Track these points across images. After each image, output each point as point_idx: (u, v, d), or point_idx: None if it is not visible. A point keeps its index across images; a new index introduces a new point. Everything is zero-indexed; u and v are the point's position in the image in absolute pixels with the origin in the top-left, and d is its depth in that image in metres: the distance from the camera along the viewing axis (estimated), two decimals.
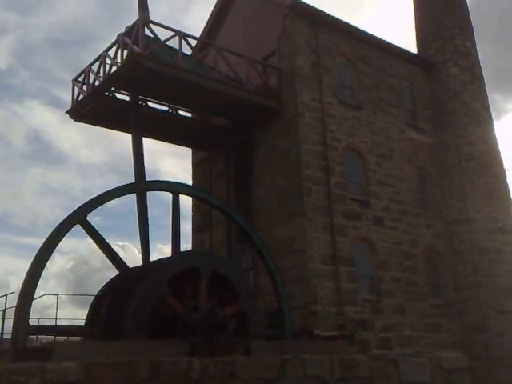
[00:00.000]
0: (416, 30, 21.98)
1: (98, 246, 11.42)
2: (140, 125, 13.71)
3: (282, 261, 14.30)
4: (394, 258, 16.48)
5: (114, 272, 11.86)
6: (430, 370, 12.04)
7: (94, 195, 11.48)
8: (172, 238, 12.18)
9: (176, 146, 18.51)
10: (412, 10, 22.50)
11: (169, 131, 16.92)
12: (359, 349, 12.76)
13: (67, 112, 15.47)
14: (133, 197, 12.64)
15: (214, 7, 20.17)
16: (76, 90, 15.30)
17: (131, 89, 14.08)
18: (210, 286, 11.56)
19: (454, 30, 20.74)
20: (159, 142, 17.49)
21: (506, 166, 19.73)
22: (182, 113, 16.86)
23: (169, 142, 17.94)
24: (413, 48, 21.79)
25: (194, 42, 15.44)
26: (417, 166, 18.61)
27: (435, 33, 20.82)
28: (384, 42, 19.07)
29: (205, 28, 20.24)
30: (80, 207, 11.07)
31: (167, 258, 12.70)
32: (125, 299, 10.80)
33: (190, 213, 18.97)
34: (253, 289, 13.63)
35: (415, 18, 22.19)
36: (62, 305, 24.20)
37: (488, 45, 40.67)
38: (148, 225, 12.66)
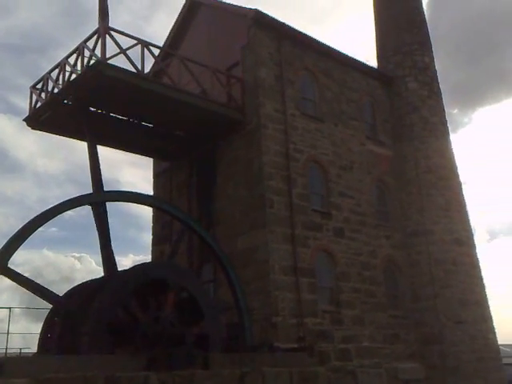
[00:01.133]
0: (376, 45, 22.51)
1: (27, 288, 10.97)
2: (96, 134, 13.50)
3: (243, 272, 14.27)
4: (353, 269, 16.68)
5: (69, 285, 11.54)
6: (387, 380, 12.22)
7: (50, 205, 11.18)
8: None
9: (137, 155, 18.27)
10: (372, 25, 23.08)
11: (130, 141, 16.66)
12: (319, 360, 12.83)
13: (24, 120, 15.08)
14: (88, 207, 12.36)
15: (178, 16, 20.09)
16: (34, 97, 14.94)
17: (91, 97, 13.82)
18: (174, 299, 11.42)
19: (413, 46, 21.32)
20: (119, 151, 17.23)
21: (462, 178, 20.36)
22: (143, 122, 16.63)
23: (130, 151, 17.66)
24: (373, 62, 22.33)
25: (156, 51, 15.29)
26: (376, 178, 18.95)
27: (395, 48, 21.35)
28: (345, 56, 19.41)
29: (168, 37, 20.12)
30: (30, 221, 10.74)
31: (125, 270, 12.44)
32: (81, 314, 10.53)
33: (151, 223, 18.77)
34: (216, 303, 13.50)
35: (376, 33, 22.73)
36: (15, 318, 23.43)
37: (446, 59, 42.15)
38: (109, 236, 12.41)
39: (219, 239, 14.81)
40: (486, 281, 19.27)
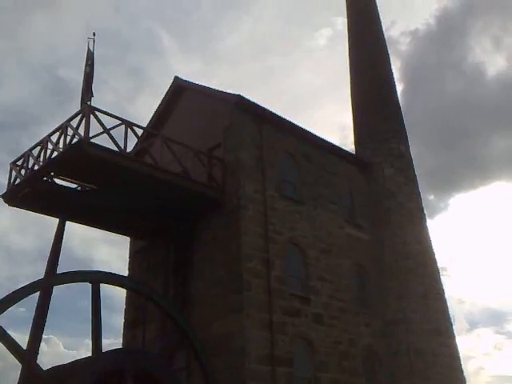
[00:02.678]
0: (354, 131, 23.27)
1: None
2: (71, 211, 13.24)
3: (217, 360, 13.64)
4: (333, 358, 16.08)
5: None
6: None
7: (21, 284, 10.66)
8: (92, 334, 11.31)
9: (113, 233, 17.87)
10: (350, 111, 23.99)
11: (107, 218, 16.39)
12: None
13: (2, 196, 14.80)
14: (59, 288, 11.83)
15: (163, 99, 20.53)
16: (14, 173, 14.75)
17: (71, 174, 13.68)
18: None
19: (388, 134, 22.05)
20: (95, 229, 16.84)
21: (440, 264, 20.39)
22: (122, 200, 16.42)
23: (106, 229, 17.30)
24: (351, 146, 22.97)
25: (139, 132, 15.43)
26: (355, 263, 18.84)
27: (371, 135, 22.06)
28: (324, 141, 19.92)
29: (152, 118, 20.43)
30: None
31: (87, 358, 11.68)
32: None
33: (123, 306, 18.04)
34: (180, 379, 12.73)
35: (353, 120, 23.57)
36: None
37: (421, 144, 43.76)
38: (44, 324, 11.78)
39: (194, 323, 14.24)
40: (466, 373, 18.83)
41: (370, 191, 20.98)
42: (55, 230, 13.29)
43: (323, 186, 19.16)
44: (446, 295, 19.87)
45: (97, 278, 11.96)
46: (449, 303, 19.77)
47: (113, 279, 12.61)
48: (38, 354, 11.69)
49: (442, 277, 20.20)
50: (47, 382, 10.39)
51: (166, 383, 11.29)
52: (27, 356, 10.92)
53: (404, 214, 20.32)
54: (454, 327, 19.36)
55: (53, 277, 11.97)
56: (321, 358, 15.76)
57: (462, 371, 18.61)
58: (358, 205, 20.34)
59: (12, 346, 10.48)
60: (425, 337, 17.98)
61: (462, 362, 18.78)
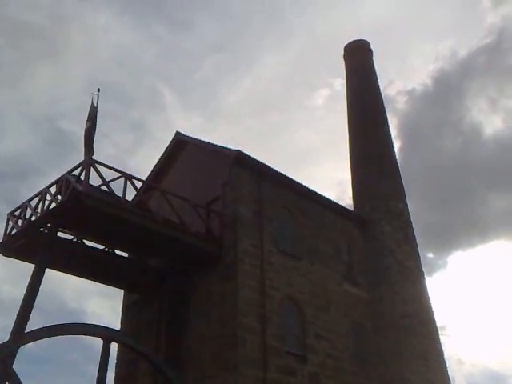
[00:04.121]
0: (352, 188, 23.49)
1: None
2: (65, 262, 13.21)
3: None
4: None
5: None
6: None
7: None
8: None
9: (106, 285, 17.73)
10: (348, 168, 24.32)
11: (102, 271, 16.32)
12: None
13: None
14: (51, 340, 11.62)
15: (164, 152, 20.95)
16: (10, 223, 14.86)
17: (68, 225, 13.78)
18: None
19: (387, 192, 22.21)
20: (88, 280, 16.74)
21: (439, 323, 20.03)
22: (118, 252, 16.46)
23: (101, 282, 17.18)
24: (349, 201, 23.09)
25: (139, 184, 15.65)
26: (353, 321, 18.53)
27: (370, 193, 22.24)
28: (323, 197, 20.07)
29: (152, 171, 20.78)
30: None
31: None
32: None
33: (115, 360, 17.64)
34: None
35: (352, 177, 23.85)
36: None
37: (419, 201, 43.89)
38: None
39: (186, 381, 13.87)
40: None
41: (369, 248, 20.91)
42: (46, 281, 13.17)
43: (321, 241, 19.15)
44: (446, 355, 19.46)
45: (108, 336, 11.74)
46: (448, 363, 19.35)
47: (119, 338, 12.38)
48: None
49: (441, 336, 19.85)
50: None
51: None
52: None
53: (403, 272, 20.16)
54: None
55: (67, 326, 11.75)
56: None
57: None
58: (356, 261, 20.23)
59: None
60: None
61: None
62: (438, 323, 20.12)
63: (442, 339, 19.84)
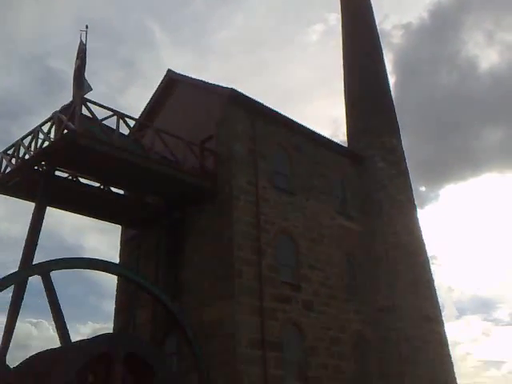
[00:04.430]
0: (347, 124, 23.57)
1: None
2: (62, 199, 13.51)
3: (208, 345, 13.93)
4: (322, 344, 16.41)
5: (25, 352, 11.06)
6: None
7: (10, 270, 10.93)
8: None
9: (103, 221, 18.20)
10: (343, 105, 24.29)
11: (98, 207, 16.68)
12: None
13: None
14: (53, 274, 12.08)
15: (155, 91, 20.88)
16: (4, 162, 15.07)
17: (62, 163, 13.99)
18: (126, 369, 10.95)
19: (381, 128, 22.33)
20: (86, 217, 17.17)
21: (430, 253, 20.73)
22: (114, 189, 16.77)
23: (98, 218, 17.61)
24: (343, 137, 23.24)
25: (131, 123, 15.74)
26: (346, 252, 19.14)
27: (364, 129, 22.34)
28: (316, 133, 20.19)
29: (144, 109, 20.78)
30: None
31: (76, 342, 11.91)
32: None
33: (113, 291, 18.45)
34: (175, 370, 13.04)
35: (346, 114, 23.87)
36: None
37: (412, 135, 44.12)
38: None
39: (185, 310, 14.55)
40: (454, 358, 19.15)
41: (362, 183, 21.26)
42: (46, 218, 13.51)
43: (315, 177, 19.45)
44: (436, 283, 20.25)
45: (97, 266, 12.21)
46: (438, 291, 20.19)
47: (108, 267, 12.86)
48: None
49: (431, 266, 20.59)
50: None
51: (157, 368, 11.51)
52: None
53: (395, 206, 20.62)
54: (442, 314, 19.77)
55: (60, 261, 12.19)
56: (310, 343, 16.10)
57: (449, 356, 18.94)
58: (349, 196, 20.64)
59: None
60: (414, 323, 18.28)
61: (450, 348, 19.16)
62: (429, 253, 20.88)
63: (433, 268, 20.66)
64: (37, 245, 13.17)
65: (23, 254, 13.12)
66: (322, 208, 19.06)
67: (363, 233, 20.10)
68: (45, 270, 11.61)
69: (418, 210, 21.78)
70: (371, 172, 21.31)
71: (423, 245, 20.65)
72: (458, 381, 18.69)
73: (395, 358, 17.78)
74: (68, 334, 11.46)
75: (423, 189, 51.79)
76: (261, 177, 17.23)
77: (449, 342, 19.20)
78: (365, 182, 21.24)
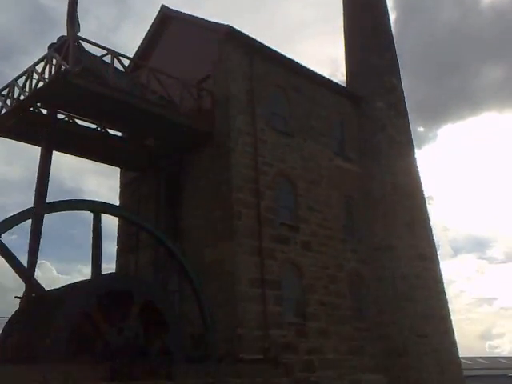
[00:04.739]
0: (346, 64, 23.05)
1: (13, 267, 10.83)
2: (60, 141, 13.38)
3: (209, 284, 14.25)
4: (320, 282, 16.84)
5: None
6: None
7: (10, 213, 10.97)
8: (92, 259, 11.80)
9: (102, 164, 18.09)
10: (342, 44, 23.67)
11: (97, 150, 16.51)
12: (283, 372, 12.83)
13: None
14: (51, 215, 12.15)
15: (149, 29, 20.18)
16: None
17: (57, 104, 13.72)
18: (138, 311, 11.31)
19: (381, 67, 21.87)
20: (84, 159, 17.02)
21: (427, 193, 20.92)
22: (111, 131, 16.58)
23: (97, 161, 17.48)
24: (342, 78, 22.80)
25: (126, 62, 15.32)
26: (344, 194, 19.26)
27: (363, 68, 21.88)
28: (315, 73, 19.77)
29: (138, 49, 20.17)
30: None
31: (86, 280, 12.23)
32: (41, 323, 10.33)
33: (116, 234, 18.62)
34: (177, 308, 13.47)
35: (345, 53, 23.29)
36: None
37: (412, 75, 43.53)
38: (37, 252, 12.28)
39: (186, 251, 14.77)
40: (448, 295, 19.77)
41: (361, 124, 21.07)
42: (45, 160, 13.41)
43: (313, 118, 19.23)
44: (432, 223, 20.58)
45: (98, 208, 12.28)
46: (434, 231, 20.55)
47: (111, 209, 12.96)
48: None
49: (428, 206, 20.81)
50: (49, 301, 10.94)
51: (160, 306, 11.85)
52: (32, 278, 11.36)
53: (394, 147, 20.57)
54: (438, 253, 20.22)
55: (57, 203, 12.23)
56: (308, 282, 16.51)
57: (444, 293, 19.55)
58: (348, 137, 20.51)
59: (15, 265, 10.89)
60: (409, 262, 18.73)
61: (444, 286, 19.74)
62: (426, 194, 21.06)
63: (429, 208, 20.87)
64: (47, 190, 13.06)
65: (35, 200, 13.06)
66: (320, 150, 18.99)
67: (361, 174, 20.15)
68: (47, 211, 11.67)
69: (416, 150, 21.81)
70: (370, 113, 21.08)
71: (420, 185, 20.79)
72: (452, 317, 19.43)
73: (391, 295, 18.32)
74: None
75: (421, 129, 51.77)
76: (258, 118, 17.02)
77: (444, 280, 19.79)
78: (364, 123, 21.05)
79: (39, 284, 11.24)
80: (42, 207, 12.00)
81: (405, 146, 20.99)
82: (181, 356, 11.55)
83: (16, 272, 10.90)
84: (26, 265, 11.71)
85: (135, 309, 11.25)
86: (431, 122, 52.91)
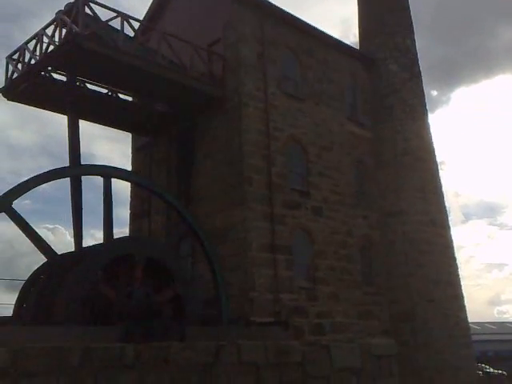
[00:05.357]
0: (359, 26, 22.52)
1: (25, 234, 10.99)
2: (76, 107, 13.34)
3: (221, 249, 14.42)
4: (330, 247, 16.94)
5: (42, 257, 11.51)
6: (360, 355, 12.54)
7: (23, 177, 11.10)
8: (104, 223, 11.97)
9: (113, 129, 18.09)
10: (355, 5, 23.03)
11: (108, 115, 16.46)
12: (293, 335, 13.09)
13: (0, 90, 14.81)
14: (63, 180, 12.29)
15: None
16: (10, 67, 14.65)
17: (69, 69, 13.65)
18: (144, 272, 11.46)
19: (395, 28, 21.36)
20: (95, 124, 16.98)
21: (439, 159, 20.68)
22: (122, 96, 16.49)
23: (108, 126, 17.48)
24: (353, 39, 22.30)
25: (136, 25, 15.08)
26: (355, 159, 19.13)
27: (377, 30, 21.37)
28: (328, 36, 19.39)
29: (148, 11, 19.83)
30: (7, 192, 10.66)
31: (100, 244, 12.46)
32: (56, 287, 10.54)
33: (129, 199, 18.79)
34: (189, 272, 13.68)
35: (358, 14, 22.71)
36: None
37: (425, 37, 42.41)
38: (81, 211, 12.41)
39: (198, 216, 14.88)
40: (458, 261, 19.82)
41: (373, 88, 20.73)
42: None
43: (326, 82, 18.94)
44: (443, 189, 20.43)
45: (108, 173, 12.36)
46: (445, 196, 20.41)
47: (123, 174, 13.03)
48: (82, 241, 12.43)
49: (440, 171, 20.63)
50: (63, 265, 11.14)
51: (172, 269, 12.00)
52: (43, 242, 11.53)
53: (406, 111, 20.27)
54: (449, 219, 20.20)
55: (68, 168, 12.35)
56: (319, 247, 16.62)
57: (454, 259, 19.62)
58: (360, 101, 20.22)
59: (28, 231, 11.06)
60: (420, 227, 18.72)
61: (455, 251, 19.78)
62: (438, 159, 20.85)
63: (441, 174, 20.70)
64: (80, 156, 13.11)
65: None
66: (331, 114, 18.77)
67: (373, 139, 19.95)
68: (56, 177, 11.75)
69: (429, 114, 21.47)
70: (383, 76, 20.69)
71: (433, 150, 20.58)
72: (461, 282, 19.54)
73: (401, 261, 18.42)
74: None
75: (434, 93, 50.79)
76: (270, 82, 16.82)
77: (454, 246, 19.81)
78: (376, 86, 20.70)
79: (51, 248, 11.39)
80: (51, 173, 11.99)
81: (418, 110, 20.67)
82: (193, 318, 11.78)
83: (27, 237, 11.05)
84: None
85: (138, 270, 11.33)
86: (444, 85, 51.94)
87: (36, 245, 11.06)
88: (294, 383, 11.03)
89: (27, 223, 10.98)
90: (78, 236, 12.16)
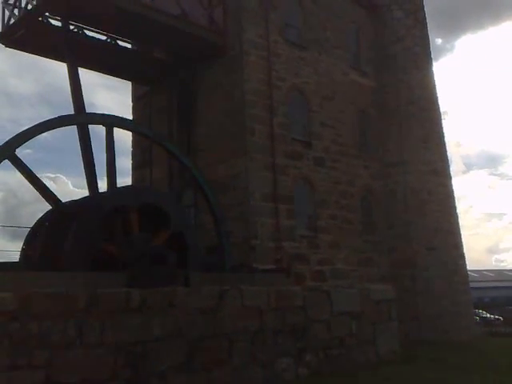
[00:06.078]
0: None
1: (29, 181, 11.00)
2: (75, 54, 13.08)
3: (223, 198, 14.46)
4: (332, 197, 17.05)
5: (45, 205, 11.55)
6: (359, 300, 12.82)
7: (23, 126, 11.03)
8: (107, 173, 11.95)
9: (113, 78, 17.81)
10: None
11: (107, 62, 16.10)
12: (295, 281, 13.34)
13: None
14: (65, 129, 12.18)
15: None
16: (7, 13, 14.30)
17: (67, 15, 13.29)
18: (142, 219, 11.49)
19: None
20: (94, 73, 16.74)
21: (442, 108, 20.48)
22: (121, 43, 16.14)
23: (107, 73, 17.17)
24: None
25: None
26: (358, 109, 18.95)
27: None
28: None
29: None
30: (10, 139, 10.60)
31: (100, 193, 12.40)
32: (61, 235, 10.66)
33: (130, 149, 18.74)
34: (191, 219, 13.80)
35: None
36: None
37: None
38: (93, 159, 12.36)
39: (200, 166, 14.86)
40: (459, 210, 19.97)
41: (377, 35, 20.28)
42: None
43: (329, 30, 18.53)
44: (445, 139, 20.32)
45: (110, 122, 12.24)
46: (447, 146, 20.34)
47: (124, 123, 12.90)
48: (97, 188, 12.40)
49: (443, 121, 20.47)
50: (67, 212, 11.22)
51: (175, 218, 12.06)
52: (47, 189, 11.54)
53: (410, 59, 19.93)
54: (450, 168, 20.19)
55: (71, 116, 12.19)
56: (321, 197, 16.73)
57: (455, 208, 19.76)
58: (363, 49, 19.85)
59: (34, 180, 11.07)
60: (421, 177, 18.78)
61: (455, 201, 19.89)
62: (441, 109, 20.62)
63: (443, 123, 20.54)
64: (84, 103, 12.97)
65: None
66: (334, 63, 18.46)
67: (376, 88, 19.69)
68: (57, 125, 11.65)
69: (433, 62, 21.07)
70: (387, 23, 20.24)
71: (436, 99, 20.35)
72: (461, 231, 19.77)
73: (402, 209, 18.57)
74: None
75: (439, 41, 49.65)
76: (272, 30, 16.45)
77: (455, 195, 19.91)
78: (380, 33, 20.27)
79: (55, 196, 11.41)
80: (49, 122, 11.85)
81: (422, 58, 20.31)
82: (196, 265, 11.97)
83: (31, 184, 11.07)
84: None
85: (133, 214, 11.38)
86: (449, 32, 50.58)
87: (40, 193, 11.09)
88: (297, 326, 11.32)
89: (31, 171, 10.97)
90: (92, 184, 12.08)
